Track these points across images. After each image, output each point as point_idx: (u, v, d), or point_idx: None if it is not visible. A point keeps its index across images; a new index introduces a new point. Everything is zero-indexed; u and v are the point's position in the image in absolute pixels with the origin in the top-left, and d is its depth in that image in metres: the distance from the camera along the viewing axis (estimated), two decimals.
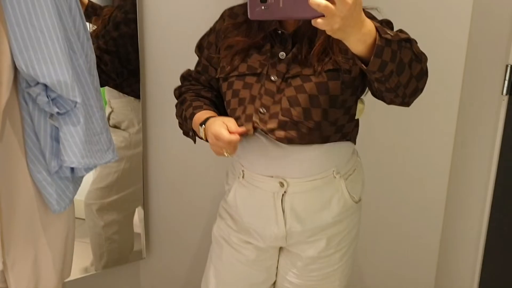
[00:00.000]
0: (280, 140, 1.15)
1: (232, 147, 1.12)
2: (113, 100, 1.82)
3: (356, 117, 1.20)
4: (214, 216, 1.37)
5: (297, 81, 1.13)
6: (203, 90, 1.31)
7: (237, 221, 1.30)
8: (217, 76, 1.24)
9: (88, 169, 1.19)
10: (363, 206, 1.31)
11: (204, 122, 1.17)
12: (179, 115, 1.32)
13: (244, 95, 1.17)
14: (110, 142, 1.26)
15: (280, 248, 1.31)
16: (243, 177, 1.24)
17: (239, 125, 1.15)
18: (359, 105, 1.19)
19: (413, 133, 1.68)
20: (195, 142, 1.29)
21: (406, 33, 1.03)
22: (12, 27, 1.01)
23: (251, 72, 1.17)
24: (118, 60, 1.72)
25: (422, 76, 1.02)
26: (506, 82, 1.39)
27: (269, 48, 1.17)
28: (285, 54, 1.15)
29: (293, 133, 1.14)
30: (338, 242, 1.26)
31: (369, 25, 0.90)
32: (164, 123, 1.71)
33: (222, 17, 1.29)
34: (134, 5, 1.67)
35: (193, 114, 1.23)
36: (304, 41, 1.14)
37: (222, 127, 1.11)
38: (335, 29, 0.86)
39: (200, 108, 1.23)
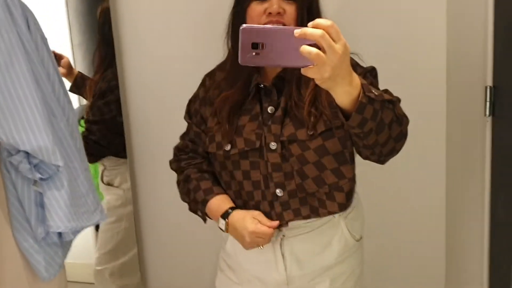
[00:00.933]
0: (305, 217, 1.18)
1: (269, 240, 1.17)
2: (104, 158, 1.84)
3: None
4: (214, 272, 1.35)
5: (296, 149, 1.13)
6: (204, 163, 1.30)
7: (236, 271, 1.28)
8: (213, 151, 1.22)
9: (75, 232, 1.17)
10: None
11: (225, 215, 1.20)
12: (184, 193, 1.31)
13: (256, 177, 1.17)
14: (97, 203, 1.25)
15: None
16: None
17: (261, 210, 1.19)
18: None
19: (403, 165, 1.67)
20: (205, 222, 1.30)
21: (391, 94, 1.05)
22: None
23: (250, 148, 1.16)
24: (106, 127, 1.76)
25: (401, 138, 1.04)
26: (488, 103, 1.39)
27: (258, 110, 1.18)
28: (274, 109, 1.16)
29: (314, 204, 1.17)
30: (342, 282, 1.23)
31: (356, 79, 0.92)
32: (154, 182, 1.71)
33: (203, 83, 1.31)
34: (115, 73, 1.72)
35: (205, 201, 1.24)
36: (289, 89, 1.15)
37: (258, 223, 1.16)
38: (325, 78, 0.86)
39: (210, 192, 1.24)
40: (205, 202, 1.24)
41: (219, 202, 1.22)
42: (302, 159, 1.13)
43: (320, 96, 1.12)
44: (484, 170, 1.42)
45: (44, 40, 1.17)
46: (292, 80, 1.16)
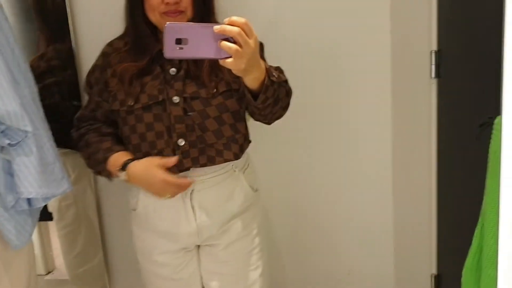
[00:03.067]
0: (202, 165, 1.29)
1: (181, 190, 1.27)
2: None
3: (247, 120, 1.35)
4: None
5: (198, 105, 1.26)
6: (103, 127, 1.37)
7: (148, 230, 1.37)
8: (116, 109, 1.29)
9: (46, 199, 1.16)
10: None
11: (124, 167, 1.26)
12: (86, 158, 1.37)
13: (159, 128, 1.26)
14: (63, 171, 1.24)
15: (199, 250, 1.39)
16: None
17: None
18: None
19: (351, 126, 1.74)
20: (110, 180, 1.36)
21: (282, 72, 1.26)
22: None
23: (154, 101, 1.26)
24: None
25: (287, 107, 1.25)
26: (433, 67, 1.50)
27: (159, 70, 1.28)
28: (175, 70, 1.27)
29: (212, 153, 1.29)
30: (245, 226, 1.37)
31: (263, 65, 1.10)
32: None
33: (102, 53, 1.38)
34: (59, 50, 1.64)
35: (105, 158, 1.30)
36: None
37: (168, 175, 1.23)
38: (241, 68, 1.02)
39: (110, 151, 1.31)
40: (105, 159, 1.30)
41: (117, 157, 1.29)
42: (203, 114, 1.26)
43: (218, 62, 1.22)
44: (430, 126, 1.53)
45: (1, 8, 1.14)
46: None
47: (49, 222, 1.84)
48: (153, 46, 1.29)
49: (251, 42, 0.99)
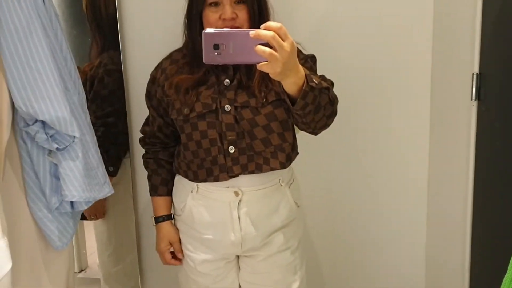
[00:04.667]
0: (250, 172, 1.33)
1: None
2: None
3: (297, 132, 1.38)
4: None
5: (248, 114, 1.29)
6: (160, 152, 1.48)
7: (192, 237, 1.42)
8: (174, 118, 1.35)
9: (88, 203, 1.21)
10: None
11: (156, 220, 1.48)
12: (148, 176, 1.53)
13: (212, 135, 1.31)
14: (106, 176, 1.29)
15: (239, 261, 1.43)
16: (197, 191, 1.37)
17: (218, 163, 1.33)
18: None
19: (389, 147, 1.75)
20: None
21: (325, 79, 1.28)
22: (10, 69, 1.04)
23: (208, 110, 1.30)
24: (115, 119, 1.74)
25: (332, 115, 1.24)
26: (474, 89, 1.48)
27: (214, 80, 1.32)
28: (229, 81, 1.31)
29: (260, 161, 1.32)
30: (287, 241, 1.39)
31: (302, 70, 1.10)
32: None
33: (159, 65, 1.43)
34: (111, 57, 1.70)
35: (151, 195, 1.50)
36: (242, 68, 1.31)
37: (166, 252, 1.46)
38: (277, 72, 1.03)
39: (155, 190, 1.48)
40: (151, 195, 1.50)
41: (157, 205, 1.48)
42: (253, 122, 1.29)
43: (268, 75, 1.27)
44: (469, 149, 1.51)
45: (57, 16, 1.20)
46: None
47: (84, 221, 1.91)
48: None
49: (286, 45, 1.00)
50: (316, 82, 1.13)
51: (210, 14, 1.29)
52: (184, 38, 1.39)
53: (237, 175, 1.33)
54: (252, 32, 0.99)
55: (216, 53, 1.01)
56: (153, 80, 1.42)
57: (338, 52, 1.66)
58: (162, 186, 1.47)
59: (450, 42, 1.60)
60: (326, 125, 1.26)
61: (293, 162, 1.41)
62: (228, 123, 1.30)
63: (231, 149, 1.31)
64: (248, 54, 1.01)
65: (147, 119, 1.49)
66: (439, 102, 1.67)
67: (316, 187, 1.77)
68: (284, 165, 1.35)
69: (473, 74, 1.48)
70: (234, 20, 1.28)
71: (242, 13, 1.29)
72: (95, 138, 1.28)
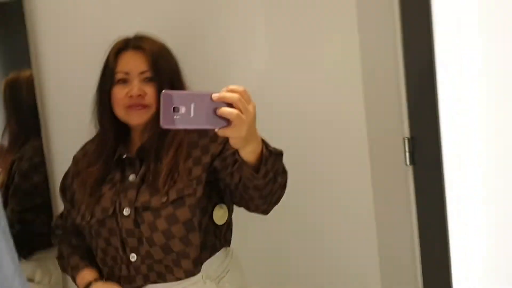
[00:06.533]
0: (153, 282, 1.21)
1: None
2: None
3: (218, 223, 1.25)
4: None
5: (149, 217, 1.19)
6: (73, 238, 1.35)
7: None
8: (79, 223, 1.27)
9: None
10: None
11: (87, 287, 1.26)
12: (63, 270, 1.38)
13: (115, 243, 1.21)
14: (24, 285, 1.17)
15: None
16: None
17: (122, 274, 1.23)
18: (219, 211, 1.25)
19: (330, 207, 1.70)
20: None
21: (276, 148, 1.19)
22: None
23: (105, 215, 1.22)
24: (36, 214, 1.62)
25: (285, 186, 1.16)
26: (407, 154, 1.48)
27: (119, 177, 1.24)
28: (135, 177, 1.23)
29: (161, 270, 1.20)
30: None
31: (259, 137, 1.03)
32: None
33: (74, 159, 1.37)
34: (36, 149, 1.61)
35: (73, 277, 1.31)
36: (151, 159, 1.23)
37: None
38: (242, 136, 0.95)
39: (77, 268, 1.30)
40: (74, 278, 1.31)
41: (83, 276, 1.28)
42: (152, 226, 1.19)
43: (178, 165, 1.21)
44: (411, 215, 1.49)
45: None
46: (151, 150, 1.24)
47: None
48: (116, 146, 1.26)
49: (251, 108, 0.95)
50: (272, 148, 1.07)
51: (118, 91, 1.24)
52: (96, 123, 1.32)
53: (140, 286, 1.22)
54: (216, 94, 0.93)
55: (175, 117, 0.92)
56: (67, 172, 1.35)
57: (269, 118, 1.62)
58: (83, 261, 1.31)
59: (381, 108, 1.60)
60: (279, 198, 1.17)
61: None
62: (128, 229, 1.20)
63: (133, 257, 1.20)
64: (209, 118, 0.93)
65: (61, 213, 1.39)
66: (378, 165, 1.65)
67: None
68: (192, 273, 1.20)
69: (404, 138, 1.48)
70: (142, 97, 1.23)
71: (150, 91, 1.23)
72: (11, 243, 1.17)
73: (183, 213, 1.18)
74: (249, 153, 1.02)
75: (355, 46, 1.56)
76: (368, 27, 1.55)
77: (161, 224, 1.18)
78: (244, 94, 0.94)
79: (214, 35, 1.60)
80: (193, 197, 1.19)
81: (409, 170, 1.49)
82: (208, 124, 0.95)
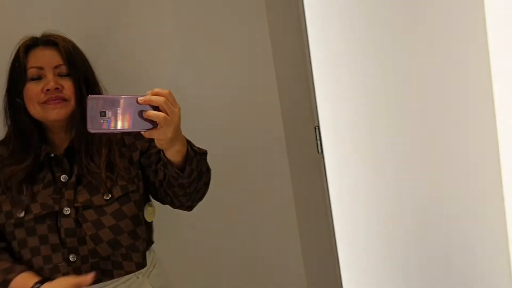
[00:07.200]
0: (97, 281, 1.18)
1: None
2: None
3: (148, 220, 1.28)
4: None
5: (92, 215, 1.17)
6: None
7: None
8: (1, 223, 1.19)
9: None
10: None
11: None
12: None
13: (54, 240, 1.17)
14: None
15: None
16: None
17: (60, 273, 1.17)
18: (149, 209, 1.28)
19: (256, 201, 1.72)
20: None
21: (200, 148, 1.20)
22: None
23: (48, 211, 1.17)
24: None
25: (208, 183, 1.20)
26: (319, 142, 1.52)
27: (50, 178, 1.20)
28: (67, 177, 1.20)
29: (108, 267, 1.20)
30: None
31: (184, 138, 1.07)
32: None
33: None
34: None
35: (7, 281, 1.16)
36: (81, 159, 1.21)
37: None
38: (168, 138, 0.99)
39: (10, 271, 1.17)
40: (7, 282, 1.17)
41: (22, 281, 1.16)
42: (97, 224, 1.17)
43: (115, 160, 1.21)
44: (325, 202, 1.53)
45: None
46: (81, 149, 1.22)
47: None
48: (40, 146, 1.21)
49: (176, 110, 0.99)
50: (197, 148, 1.11)
51: (32, 88, 1.19)
52: (7, 126, 1.26)
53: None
54: (142, 98, 0.96)
55: (102, 121, 0.95)
56: None
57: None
58: (17, 265, 1.19)
59: (294, 98, 1.63)
60: (203, 195, 1.21)
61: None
62: (68, 228, 1.17)
63: (72, 258, 1.17)
64: (135, 121, 0.96)
65: None
66: (294, 155, 1.68)
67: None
68: (142, 265, 1.24)
69: (315, 127, 1.52)
70: (60, 90, 1.19)
71: (68, 85, 1.20)
72: None
73: (129, 209, 1.20)
74: (175, 154, 1.06)
75: (267, 42, 1.59)
76: (277, 22, 1.59)
77: (108, 220, 1.18)
78: (169, 97, 0.98)
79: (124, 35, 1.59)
80: (137, 193, 1.22)
81: (321, 158, 1.53)
82: (135, 127, 0.98)
